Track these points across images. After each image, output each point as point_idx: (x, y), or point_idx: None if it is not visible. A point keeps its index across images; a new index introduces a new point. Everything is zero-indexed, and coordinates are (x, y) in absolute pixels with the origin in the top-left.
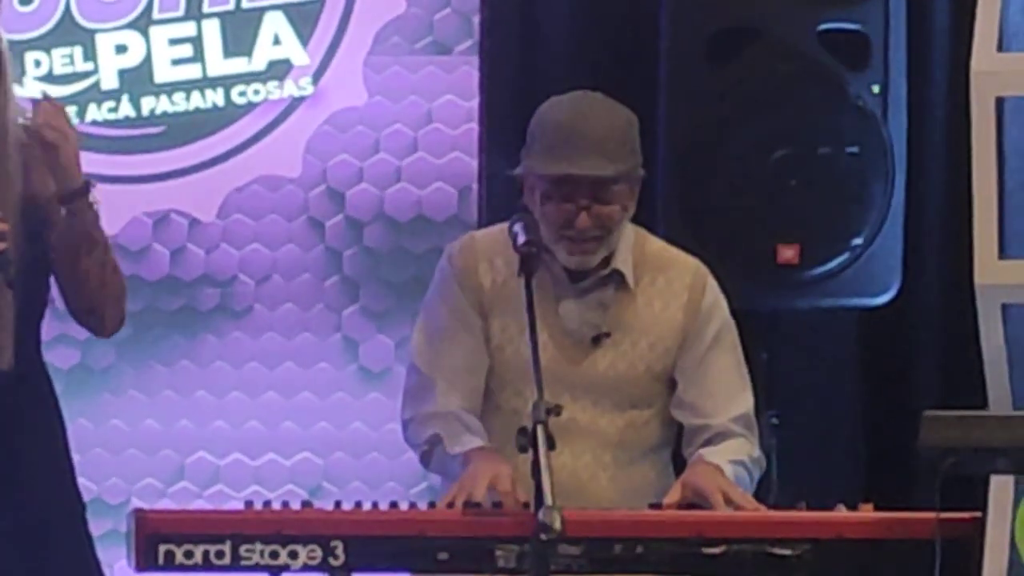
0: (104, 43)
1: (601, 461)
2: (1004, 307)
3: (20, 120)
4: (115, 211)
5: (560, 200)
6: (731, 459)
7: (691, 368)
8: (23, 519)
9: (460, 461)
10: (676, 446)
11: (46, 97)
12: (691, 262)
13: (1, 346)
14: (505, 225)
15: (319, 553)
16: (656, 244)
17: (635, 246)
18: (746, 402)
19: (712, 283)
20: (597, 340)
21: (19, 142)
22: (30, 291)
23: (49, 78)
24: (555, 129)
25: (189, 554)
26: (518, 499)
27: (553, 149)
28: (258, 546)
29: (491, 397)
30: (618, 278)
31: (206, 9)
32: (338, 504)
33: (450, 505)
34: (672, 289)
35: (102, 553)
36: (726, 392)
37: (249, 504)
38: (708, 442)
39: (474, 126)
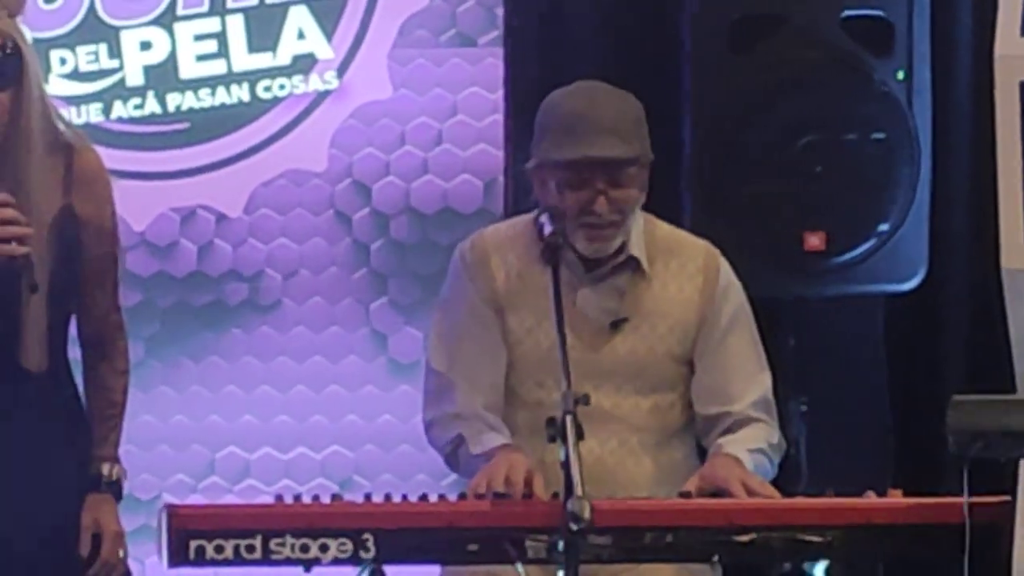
0: (129, 40)
1: (627, 446)
2: None
3: (63, 126)
4: (142, 207)
5: (577, 186)
6: (750, 448)
7: (710, 352)
8: (50, 518)
9: (483, 460)
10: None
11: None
12: (701, 244)
13: (30, 348)
14: (516, 219)
15: (350, 546)
16: (665, 228)
17: (645, 231)
18: (764, 384)
19: (725, 265)
20: (616, 325)
21: (50, 146)
22: (57, 294)
23: (75, 75)
24: (567, 116)
25: (220, 549)
26: (523, 490)
27: (567, 135)
28: (289, 540)
29: (513, 391)
30: (633, 264)
31: (230, 5)
32: (368, 497)
33: (480, 497)
34: (686, 272)
35: (133, 549)
36: (745, 375)
37: (279, 498)
38: (728, 430)
39: (499, 118)
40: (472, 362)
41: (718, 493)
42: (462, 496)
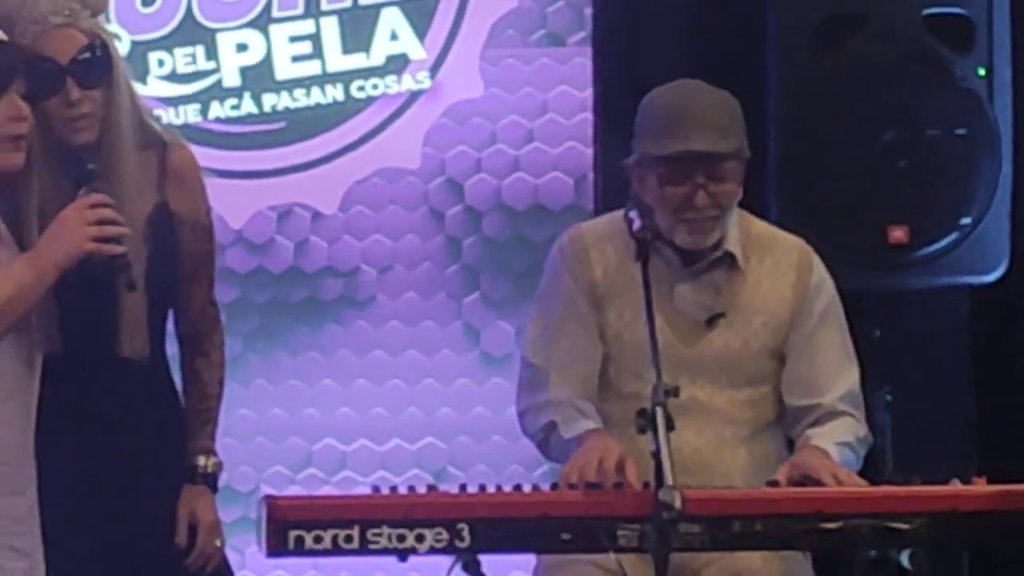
0: (225, 42)
1: (722, 437)
2: None
3: (155, 124)
4: (239, 206)
5: (677, 181)
6: (837, 441)
7: (801, 345)
8: (148, 508)
9: (574, 445)
10: None
11: None
12: (795, 242)
13: (128, 338)
14: (612, 214)
15: (445, 536)
16: (760, 225)
17: (741, 228)
18: (852, 377)
19: (817, 261)
20: (711, 321)
21: (142, 142)
22: (154, 289)
23: (172, 77)
24: (666, 112)
25: (318, 539)
26: (614, 479)
27: (667, 131)
28: (385, 530)
29: (611, 383)
30: (729, 260)
31: (324, 7)
32: (463, 487)
33: (572, 486)
34: (780, 268)
35: (233, 540)
36: (834, 368)
37: (376, 489)
38: (816, 422)
39: (588, 116)
40: (567, 355)
41: (806, 481)
42: (555, 486)
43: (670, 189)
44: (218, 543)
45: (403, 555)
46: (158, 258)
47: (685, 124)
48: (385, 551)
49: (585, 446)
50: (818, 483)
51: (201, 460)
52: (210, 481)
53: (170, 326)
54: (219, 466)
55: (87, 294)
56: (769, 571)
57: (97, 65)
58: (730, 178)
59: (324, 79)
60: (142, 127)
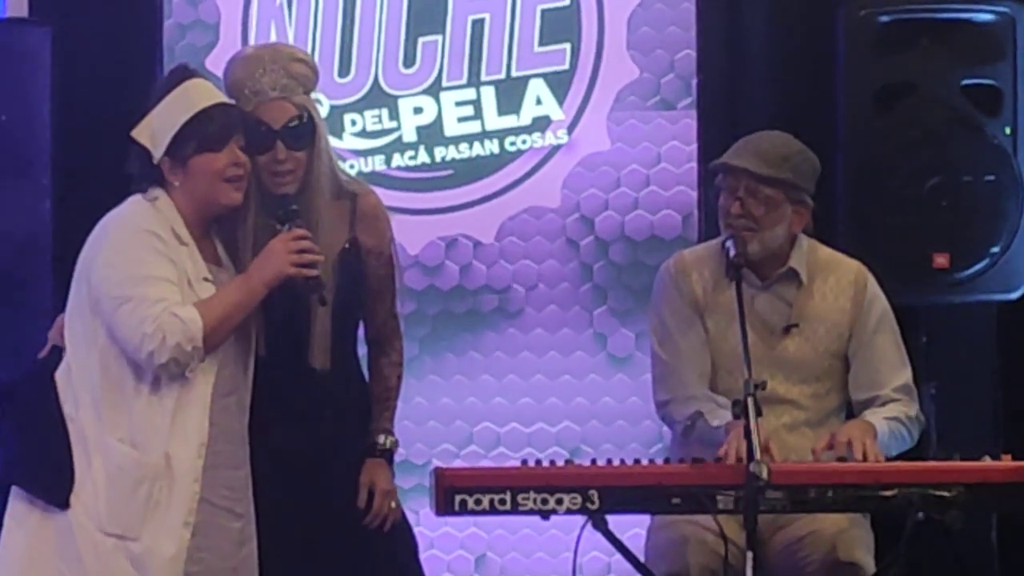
0: (405, 106)
1: (796, 421)
2: None
3: (343, 176)
4: (416, 236)
5: (727, 191)
6: (887, 416)
7: (861, 350)
8: (336, 479)
9: (723, 432)
10: (849, 414)
11: None
12: (853, 264)
13: (317, 351)
14: (710, 243)
15: (579, 500)
16: (825, 251)
17: (808, 253)
18: (906, 374)
19: (872, 279)
20: (787, 329)
21: (335, 192)
22: (344, 308)
23: (363, 134)
24: (739, 142)
25: (478, 502)
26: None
27: (730, 152)
28: (532, 495)
29: (709, 379)
30: (795, 277)
31: (484, 78)
32: (593, 461)
33: (739, 460)
34: (840, 286)
35: (410, 502)
36: (889, 367)
37: (524, 462)
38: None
39: (694, 165)
40: (687, 352)
41: (837, 448)
42: (667, 460)
43: (723, 196)
44: (393, 505)
45: (545, 515)
46: (348, 282)
47: (741, 149)
48: (531, 511)
49: (735, 432)
50: (843, 456)
51: (381, 438)
52: (387, 456)
53: (361, 333)
54: (396, 444)
55: (288, 312)
56: (837, 529)
57: (302, 132)
58: (766, 201)
59: (483, 136)
60: (336, 182)
